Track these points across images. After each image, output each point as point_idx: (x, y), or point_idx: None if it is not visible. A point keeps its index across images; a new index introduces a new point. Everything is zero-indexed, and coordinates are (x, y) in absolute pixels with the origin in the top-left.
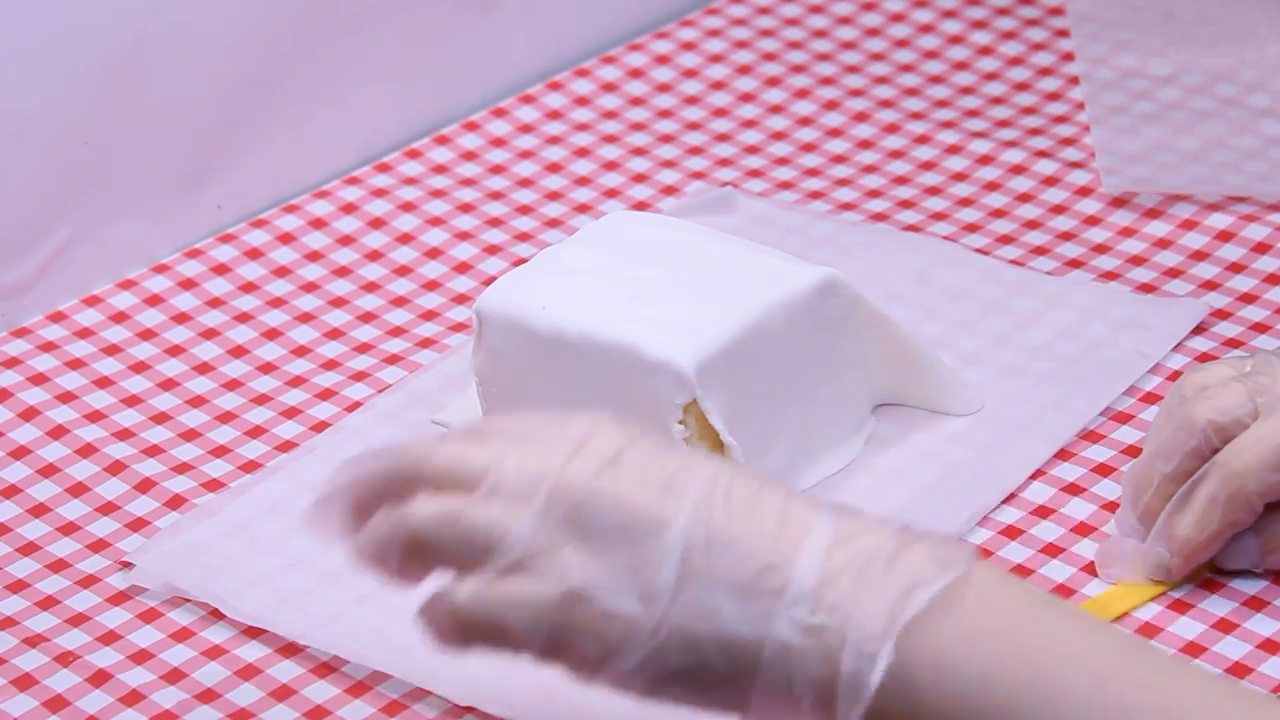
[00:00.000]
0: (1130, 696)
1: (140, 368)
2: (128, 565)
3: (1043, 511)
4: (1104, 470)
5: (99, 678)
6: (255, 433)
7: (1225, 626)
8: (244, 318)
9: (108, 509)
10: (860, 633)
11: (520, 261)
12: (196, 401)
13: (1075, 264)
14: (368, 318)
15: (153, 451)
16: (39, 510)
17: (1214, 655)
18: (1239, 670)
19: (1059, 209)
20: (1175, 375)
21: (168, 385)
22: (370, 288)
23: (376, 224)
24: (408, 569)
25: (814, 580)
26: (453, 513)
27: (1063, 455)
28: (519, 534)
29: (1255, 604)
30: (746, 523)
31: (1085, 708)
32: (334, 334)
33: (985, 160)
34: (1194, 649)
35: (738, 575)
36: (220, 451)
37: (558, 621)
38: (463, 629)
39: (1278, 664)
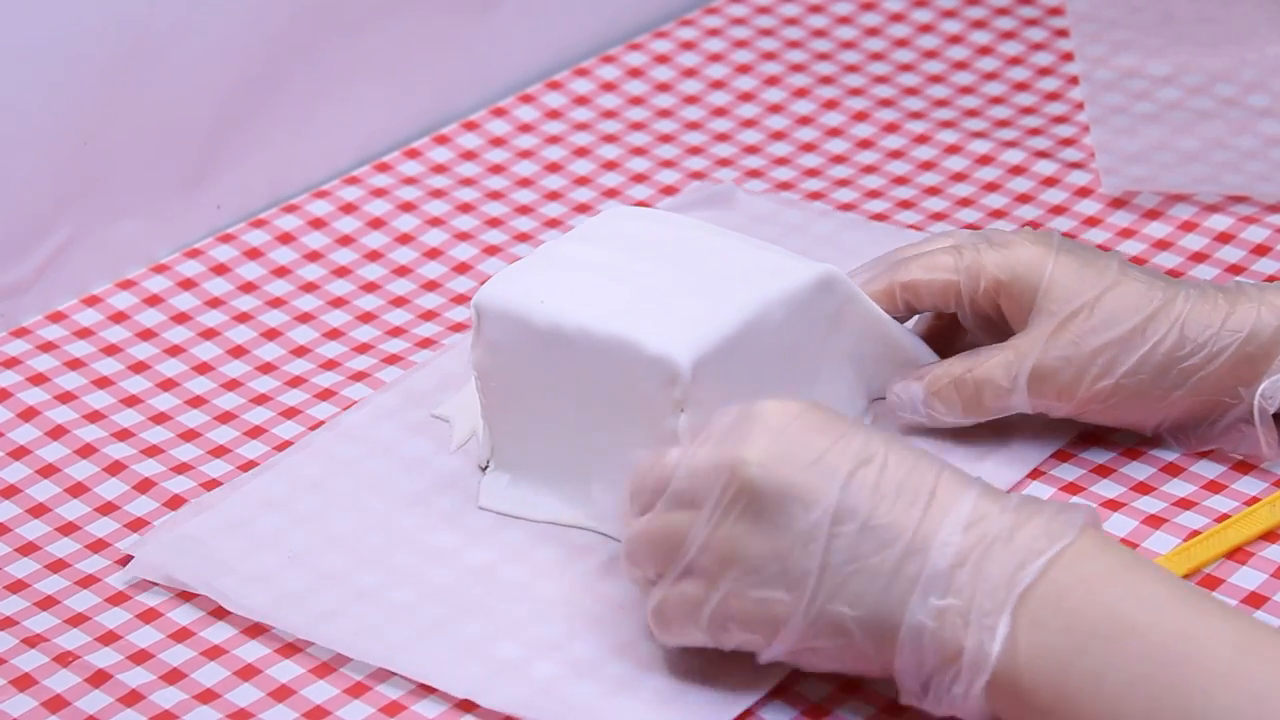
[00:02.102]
0: (1195, 635)
1: (140, 368)
2: (125, 562)
3: None
4: (1104, 470)
5: (98, 678)
6: (255, 433)
7: None
8: (243, 318)
9: (107, 509)
10: (980, 611)
11: None
12: (196, 401)
13: None
14: (367, 318)
15: (152, 451)
16: (39, 510)
17: None
18: None
19: (1059, 209)
20: None
21: (167, 385)
22: (369, 288)
23: (376, 224)
24: (636, 576)
25: (947, 564)
26: (645, 527)
27: (1062, 456)
28: (690, 539)
29: (1254, 600)
30: (894, 506)
31: (1147, 641)
32: (333, 334)
33: (985, 160)
34: None
35: (880, 560)
36: (220, 451)
37: (718, 617)
38: (659, 627)
39: None
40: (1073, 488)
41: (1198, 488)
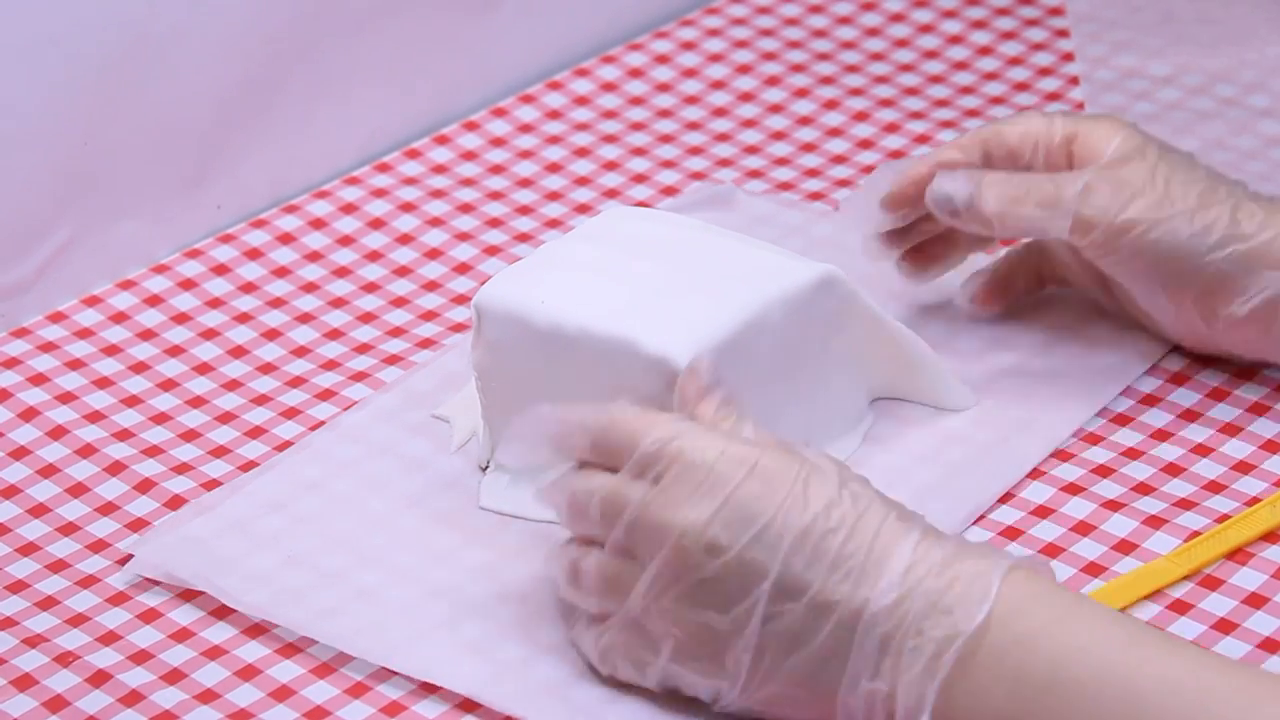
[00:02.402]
0: (1143, 684)
1: (140, 368)
2: (125, 561)
3: (1042, 511)
4: (1104, 471)
5: (99, 678)
6: (255, 433)
7: (1225, 626)
8: (244, 318)
9: (108, 509)
10: (905, 709)
11: None
12: (196, 402)
13: None
14: (367, 318)
15: (153, 451)
16: (39, 510)
17: None
18: None
19: None
20: (1174, 376)
21: (168, 385)
22: (370, 288)
23: (376, 224)
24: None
25: (875, 646)
26: (588, 566)
27: (1062, 455)
28: (632, 602)
29: (1255, 601)
30: (829, 578)
31: (1098, 697)
32: (334, 334)
33: None
34: None
35: (815, 637)
36: (220, 452)
37: (666, 676)
38: (605, 666)
39: (1277, 663)
40: (1073, 488)
41: (1198, 488)
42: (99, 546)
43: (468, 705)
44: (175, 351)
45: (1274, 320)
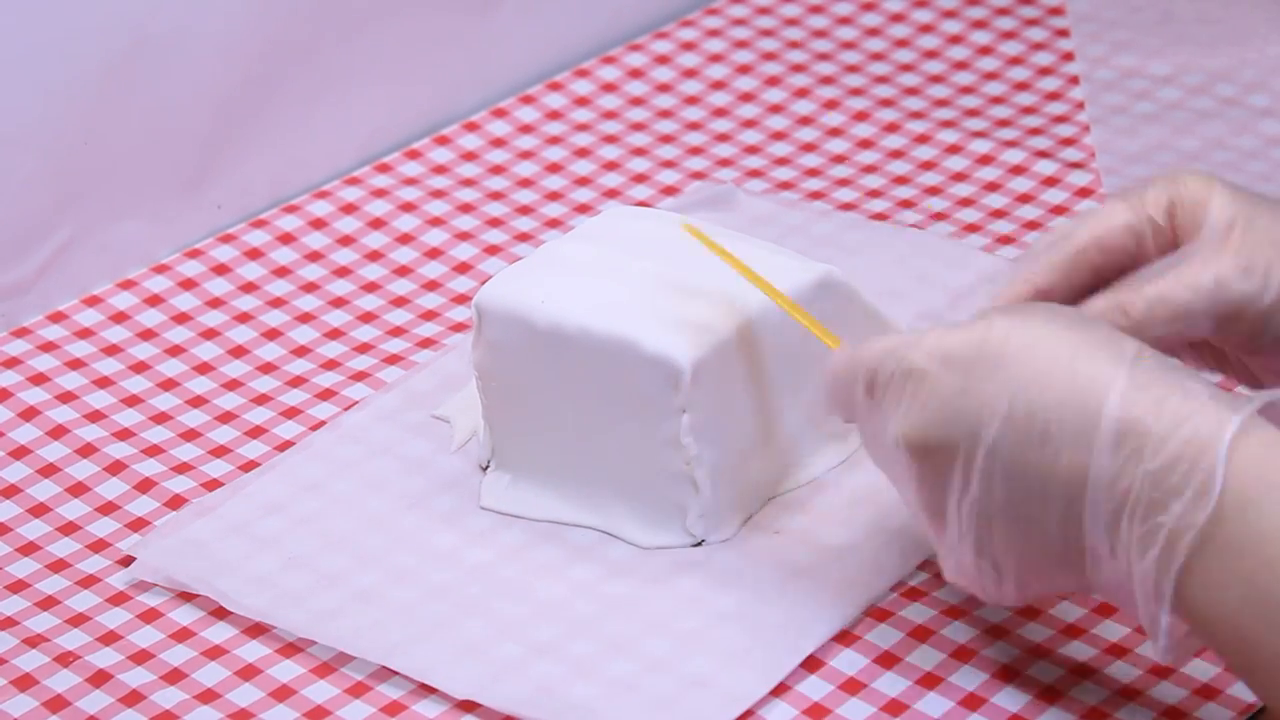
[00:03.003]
0: None
1: (140, 368)
2: (126, 562)
3: None
4: None
5: (99, 678)
6: (255, 433)
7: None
8: (244, 318)
9: (108, 509)
10: (1144, 595)
11: None
12: (196, 401)
13: None
14: (368, 318)
15: (153, 451)
16: (39, 510)
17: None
18: (1210, 692)
19: (1059, 209)
20: None
21: (168, 385)
22: (370, 288)
23: (376, 224)
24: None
25: (1108, 514)
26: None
27: None
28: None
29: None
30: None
31: None
32: (334, 334)
33: (985, 160)
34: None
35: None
36: (220, 451)
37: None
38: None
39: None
40: None
41: None
42: (99, 546)
43: (467, 705)
44: (175, 351)
45: None
